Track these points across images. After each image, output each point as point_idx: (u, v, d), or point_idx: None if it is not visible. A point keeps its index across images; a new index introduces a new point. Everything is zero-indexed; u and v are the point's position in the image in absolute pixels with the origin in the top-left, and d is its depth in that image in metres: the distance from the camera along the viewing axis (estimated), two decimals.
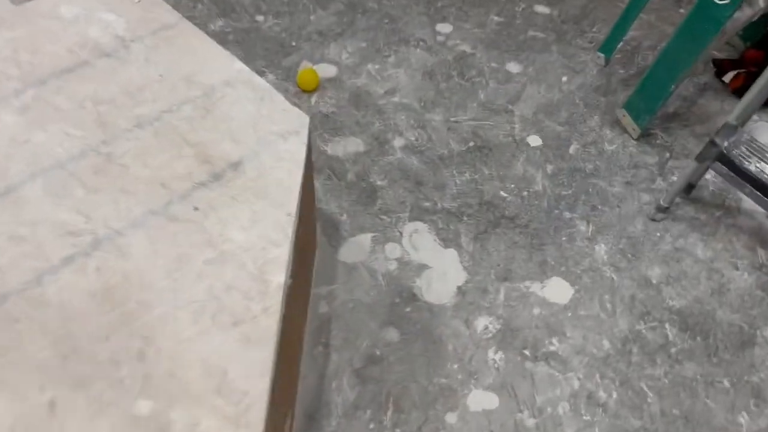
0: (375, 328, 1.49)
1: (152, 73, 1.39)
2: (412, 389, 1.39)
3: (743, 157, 1.52)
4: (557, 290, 1.59)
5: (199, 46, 1.46)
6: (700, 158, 1.62)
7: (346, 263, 1.62)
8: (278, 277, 1.04)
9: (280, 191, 1.17)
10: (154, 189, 1.16)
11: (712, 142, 1.57)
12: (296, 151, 1.24)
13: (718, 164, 1.58)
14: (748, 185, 1.53)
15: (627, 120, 2.01)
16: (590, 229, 1.74)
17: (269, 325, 0.98)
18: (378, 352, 1.45)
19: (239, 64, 1.42)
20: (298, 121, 1.30)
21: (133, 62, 1.40)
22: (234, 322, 0.98)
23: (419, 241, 1.68)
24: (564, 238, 1.71)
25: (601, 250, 1.69)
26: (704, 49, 1.71)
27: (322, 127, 1.99)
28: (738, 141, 1.54)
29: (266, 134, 1.27)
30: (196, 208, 1.13)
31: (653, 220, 1.76)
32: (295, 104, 2.07)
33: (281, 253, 1.07)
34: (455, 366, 1.44)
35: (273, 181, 1.18)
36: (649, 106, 1.91)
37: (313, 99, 2.09)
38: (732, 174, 1.55)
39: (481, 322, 1.52)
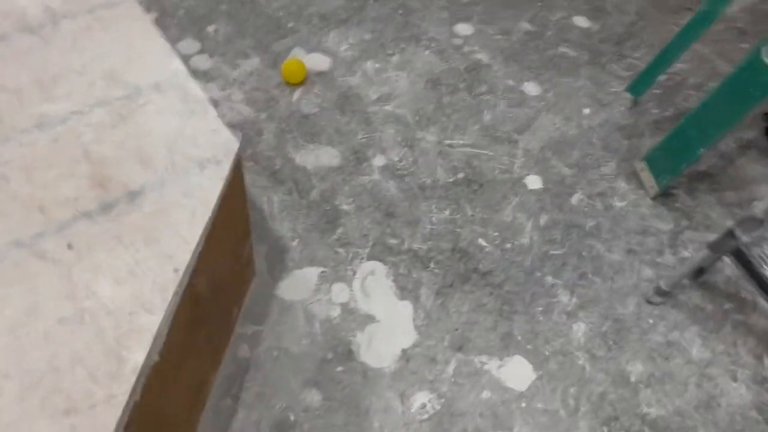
0: (296, 387, 1.33)
1: (75, 61, 1.21)
2: None
3: (764, 260, 1.29)
4: (516, 372, 1.40)
5: (137, 35, 1.27)
6: (713, 248, 1.38)
7: (284, 300, 1.45)
8: (138, 354, 0.87)
9: (175, 239, 0.99)
10: (29, 213, 0.99)
11: (731, 233, 1.33)
12: (210, 188, 1.06)
13: (733, 258, 1.35)
14: (764, 293, 1.30)
15: (646, 175, 1.76)
16: (573, 302, 1.53)
17: (108, 419, 0.81)
18: (292, 417, 1.28)
19: (177, 64, 1.23)
20: (226, 147, 1.12)
21: (57, 44, 1.23)
22: (66, 409, 0.82)
23: (373, 286, 1.50)
24: (539, 308, 1.51)
25: (579, 330, 1.48)
26: (746, 114, 1.45)
27: (297, 129, 1.80)
28: (761, 238, 1.31)
29: (182, 159, 1.09)
30: (70, 246, 0.96)
31: (649, 302, 1.54)
32: (273, 98, 1.89)
33: (151, 323, 0.90)
34: None
35: (170, 224, 1.01)
36: (672, 166, 1.66)
37: (296, 94, 1.89)
38: (747, 275, 1.32)
39: (419, 399, 1.34)
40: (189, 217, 1.02)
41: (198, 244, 1.00)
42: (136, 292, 0.93)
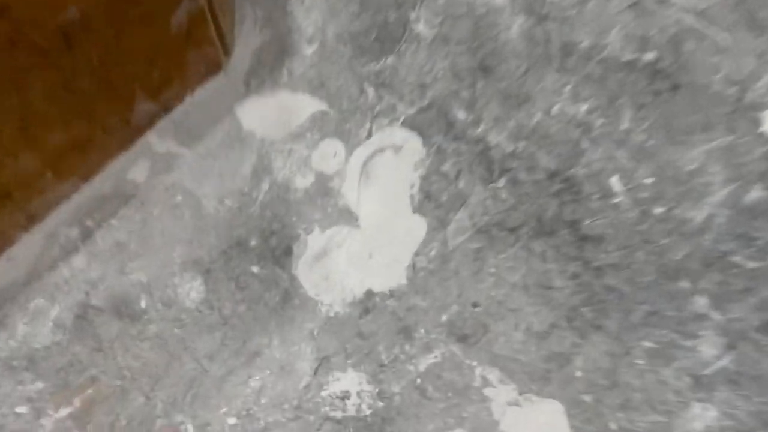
0: (177, 263, 0.85)
1: None
2: (135, 400, 0.78)
3: None
4: (539, 424, 0.78)
5: None
6: None
7: (240, 128, 0.93)
8: None
9: None
10: None
11: None
12: None
13: None
14: None
15: None
16: (722, 361, 0.82)
17: None
18: (143, 304, 0.82)
19: None
20: None
21: None
22: None
23: (384, 170, 0.91)
24: (646, 343, 0.83)
25: (703, 418, 0.79)
26: None
27: None
28: None
29: None
30: None
31: None
32: None
33: None
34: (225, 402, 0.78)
35: None
36: None
37: None
38: None
39: (345, 383, 0.80)
40: None
41: None
42: None
